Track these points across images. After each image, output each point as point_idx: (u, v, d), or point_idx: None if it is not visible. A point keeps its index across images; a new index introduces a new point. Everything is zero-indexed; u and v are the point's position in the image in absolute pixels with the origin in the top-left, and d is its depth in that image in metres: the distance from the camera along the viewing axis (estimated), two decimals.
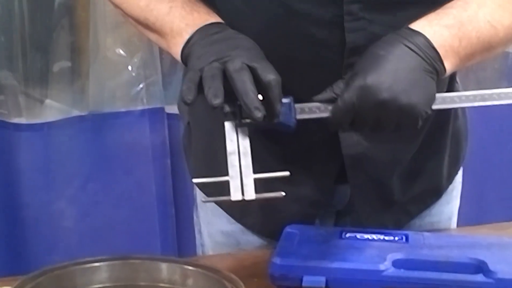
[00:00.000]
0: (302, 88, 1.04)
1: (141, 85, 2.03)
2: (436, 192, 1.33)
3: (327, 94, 1.04)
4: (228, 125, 1.02)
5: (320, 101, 1.04)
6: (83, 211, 2.06)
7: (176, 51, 1.10)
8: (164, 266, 1.06)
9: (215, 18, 1.11)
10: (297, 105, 1.04)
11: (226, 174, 1.26)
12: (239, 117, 1.01)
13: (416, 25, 1.05)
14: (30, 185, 2.03)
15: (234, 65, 1.00)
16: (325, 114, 1.03)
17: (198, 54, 1.05)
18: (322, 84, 1.04)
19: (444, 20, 1.07)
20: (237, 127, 1.02)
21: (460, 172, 1.37)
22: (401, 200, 1.28)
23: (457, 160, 1.35)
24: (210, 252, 1.35)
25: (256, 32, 1.10)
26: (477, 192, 2.34)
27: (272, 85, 1.00)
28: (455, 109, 1.31)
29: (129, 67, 2.03)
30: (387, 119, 1.01)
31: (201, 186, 1.34)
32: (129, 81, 2.03)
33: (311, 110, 1.04)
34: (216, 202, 1.30)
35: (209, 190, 1.32)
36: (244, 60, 1.00)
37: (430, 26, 1.05)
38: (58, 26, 1.99)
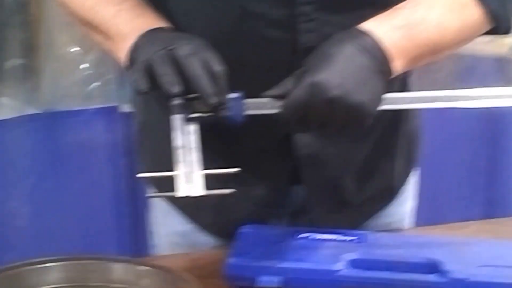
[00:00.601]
0: (255, 88, 1.04)
1: (95, 83, 2.02)
2: (390, 193, 1.34)
3: (277, 90, 1.03)
4: (175, 119, 1.01)
5: (270, 97, 1.03)
6: (37, 210, 2.05)
7: (122, 55, 1.08)
8: (117, 266, 1.05)
9: (163, 23, 1.10)
10: (247, 101, 1.03)
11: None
12: (187, 110, 1.00)
13: (366, 25, 1.06)
14: None
15: (184, 51, 0.99)
16: (274, 110, 1.03)
17: (143, 49, 1.03)
18: (275, 85, 1.04)
19: (394, 21, 1.07)
20: (186, 121, 1.01)
21: (416, 173, 1.38)
22: (356, 200, 1.28)
23: (410, 160, 1.36)
24: (165, 253, 1.34)
25: (209, 33, 1.09)
26: (433, 193, 2.35)
27: (220, 75, 0.99)
28: (408, 110, 1.32)
29: (84, 65, 2.01)
30: (335, 116, 1.01)
31: (153, 183, 1.33)
32: (83, 79, 2.02)
33: (260, 106, 1.04)
34: (168, 199, 1.29)
35: (161, 188, 1.31)
36: (192, 48, 0.99)
37: (380, 27, 1.06)
38: (10, 22, 1.97)
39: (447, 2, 1.12)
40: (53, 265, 1.04)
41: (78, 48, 2.01)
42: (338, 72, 1.00)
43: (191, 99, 1.00)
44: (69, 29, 1.97)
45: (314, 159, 1.21)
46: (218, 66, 1.00)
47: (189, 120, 1.01)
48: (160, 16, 1.11)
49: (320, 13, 1.09)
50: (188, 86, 0.99)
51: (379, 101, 1.04)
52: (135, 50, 1.05)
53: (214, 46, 1.05)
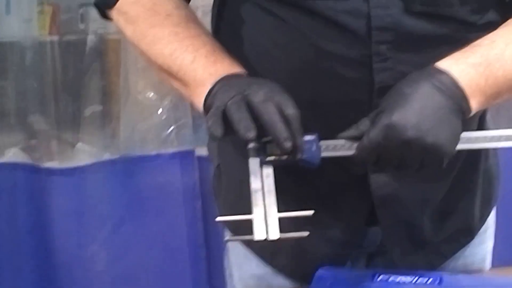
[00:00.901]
0: (330, 128, 1.04)
1: (171, 128, 2.04)
2: (469, 232, 1.31)
3: (352, 131, 1.03)
4: (252, 162, 1.01)
5: (345, 139, 1.03)
6: (115, 254, 2.07)
7: (199, 101, 1.09)
8: None
9: (238, 69, 1.10)
10: (322, 142, 1.03)
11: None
12: (264, 153, 1.01)
13: (442, 64, 1.04)
14: (62, 229, 2.04)
15: (258, 97, 0.99)
16: (350, 152, 1.02)
17: (218, 95, 1.05)
18: (349, 125, 1.04)
19: (470, 59, 1.06)
20: (262, 164, 1.01)
21: (493, 212, 1.36)
22: (433, 240, 1.26)
23: (489, 199, 1.33)
24: None
25: (285, 74, 1.11)
26: (511, 232, 2.31)
27: (294, 118, 0.99)
28: (486, 149, 1.30)
29: (160, 110, 2.04)
30: (411, 158, 1.00)
31: (228, 226, 1.34)
32: (159, 124, 2.04)
33: (335, 148, 1.03)
34: (243, 242, 1.29)
35: (237, 231, 1.31)
36: (266, 93, 1.00)
37: (457, 65, 1.04)
38: (89, 70, 2.01)
39: None
40: None
41: (155, 93, 2.03)
42: (414, 112, 0.99)
43: (266, 142, 1.00)
44: (146, 75, 2.00)
45: (390, 199, 1.20)
46: (291, 109, 1.00)
47: (265, 164, 1.01)
48: (235, 61, 1.12)
49: (395, 52, 1.08)
50: (263, 131, 0.99)
51: (456, 141, 1.02)
52: (211, 96, 1.06)
53: (290, 87, 1.05)
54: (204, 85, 1.08)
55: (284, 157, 1.01)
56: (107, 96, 2.06)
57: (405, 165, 1.01)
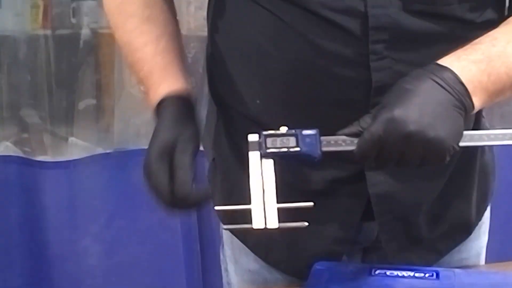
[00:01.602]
0: (328, 126, 1.04)
1: None
2: (466, 229, 1.31)
3: (353, 127, 1.03)
4: (252, 156, 1.02)
5: (346, 135, 1.03)
6: (108, 248, 2.06)
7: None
8: None
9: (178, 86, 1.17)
10: (323, 138, 1.03)
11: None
12: (264, 147, 1.01)
13: (444, 61, 1.04)
14: (55, 222, 2.03)
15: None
16: (350, 147, 1.02)
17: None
18: (347, 124, 1.03)
19: (472, 56, 1.05)
20: (262, 157, 1.02)
21: (488, 208, 1.36)
22: (429, 237, 1.26)
23: (485, 195, 1.34)
24: None
25: (281, 72, 1.11)
26: (506, 228, 2.32)
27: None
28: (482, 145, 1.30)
29: None
30: (413, 153, 0.99)
31: (224, 221, 1.34)
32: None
33: (336, 143, 1.03)
34: (239, 237, 1.30)
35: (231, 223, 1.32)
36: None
37: (458, 61, 1.04)
38: (83, 64, 2.01)
39: None
40: None
41: None
42: (415, 107, 0.99)
43: (267, 136, 1.01)
44: None
45: (387, 197, 1.20)
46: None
47: (265, 156, 1.02)
48: (176, 77, 1.18)
49: (392, 51, 1.08)
50: None
51: (458, 136, 1.02)
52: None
53: (285, 85, 1.06)
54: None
55: (284, 149, 1.01)
56: (101, 90, 2.06)
57: (406, 161, 1.00)
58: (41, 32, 2.03)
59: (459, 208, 1.28)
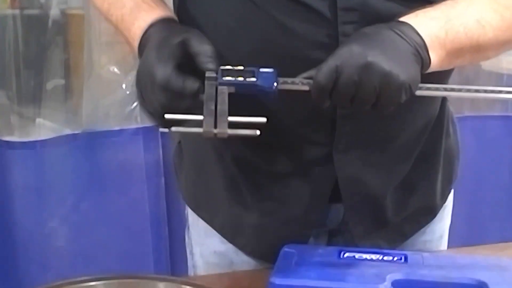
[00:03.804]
0: None
1: (135, 104, 2.03)
2: (430, 211, 1.33)
3: (311, 71, 1.02)
4: (208, 85, 1.01)
5: (304, 78, 1.02)
6: (76, 230, 2.05)
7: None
8: (161, 285, 1.04)
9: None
10: (280, 78, 1.03)
11: (217, 192, 1.26)
12: (221, 77, 1.01)
13: (402, 18, 1.05)
14: (22, 203, 2.01)
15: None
16: (306, 88, 1.02)
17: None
18: (315, 106, 1.03)
19: (430, 13, 1.06)
20: (217, 85, 1.01)
21: (452, 191, 1.37)
22: (395, 220, 1.27)
23: (450, 178, 1.35)
24: (203, 273, 1.34)
25: (250, 54, 1.10)
26: (471, 212, 2.34)
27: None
28: (447, 128, 1.31)
29: (123, 85, 2.03)
30: (369, 85, 0.98)
31: (190, 204, 1.34)
32: (123, 100, 2.03)
33: (293, 83, 1.03)
34: (205, 217, 1.29)
35: (198, 207, 1.31)
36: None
37: (416, 17, 1.05)
38: (51, 44, 1.99)
39: (489, 1, 1.10)
40: (97, 284, 1.03)
41: (118, 69, 2.02)
42: (374, 43, 1.00)
43: (223, 70, 1.02)
44: (109, 50, 1.99)
45: (354, 179, 1.20)
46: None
47: (220, 84, 1.01)
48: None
49: None
50: None
51: (414, 77, 1.00)
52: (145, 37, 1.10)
53: (255, 64, 1.06)
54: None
55: (240, 78, 1.01)
56: (70, 70, 2.04)
57: (361, 98, 0.99)
58: (9, 12, 2.00)
59: (424, 191, 1.29)
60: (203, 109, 1.00)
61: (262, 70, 1.02)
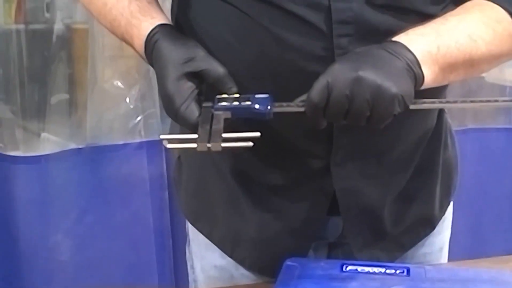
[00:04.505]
0: None
1: (139, 118, 2.04)
2: (429, 224, 1.33)
3: (304, 96, 1.02)
4: (204, 111, 1.04)
5: (299, 102, 1.04)
6: (80, 243, 2.05)
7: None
8: None
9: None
10: (276, 103, 1.05)
11: (216, 205, 1.26)
12: (217, 103, 1.04)
13: (393, 38, 1.05)
14: (26, 217, 2.02)
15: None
16: (301, 109, 1.03)
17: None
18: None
19: (421, 30, 1.06)
20: (214, 110, 1.03)
21: (451, 203, 1.37)
22: (394, 232, 1.28)
23: (448, 190, 1.35)
24: (204, 287, 1.34)
25: (245, 65, 1.11)
26: (474, 225, 2.34)
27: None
28: (445, 140, 1.31)
29: (127, 100, 2.03)
30: (361, 99, 0.98)
31: (188, 217, 1.34)
32: (127, 114, 2.04)
33: (288, 105, 1.04)
34: (204, 232, 1.30)
35: (198, 220, 1.32)
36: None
37: (406, 35, 1.05)
38: (56, 58, 2.00)
39: (480, 16, 1.10)
40: None
41: (122, 83, 2.02)
42: (365, 60, 1.00)
43: (220, 99, 1.05)
44: (113, 64, 2.00)
45: (352, 191, 1.21)
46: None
47: (216, 110, 1.03)
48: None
49: (356, 45, 1.09)
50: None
51: (407, 90, 1.00)
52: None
53: (250, 80, 1.07)
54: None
55: (236, 103, 1.03)
56: (74, 84, 2.04)
57: (354, 113, 0.99)
58: (14, 26, 2.01)
59: (423, 203, 1.29)
60: (198, 130, 1.02)
61: (257, 96, 1.03)
